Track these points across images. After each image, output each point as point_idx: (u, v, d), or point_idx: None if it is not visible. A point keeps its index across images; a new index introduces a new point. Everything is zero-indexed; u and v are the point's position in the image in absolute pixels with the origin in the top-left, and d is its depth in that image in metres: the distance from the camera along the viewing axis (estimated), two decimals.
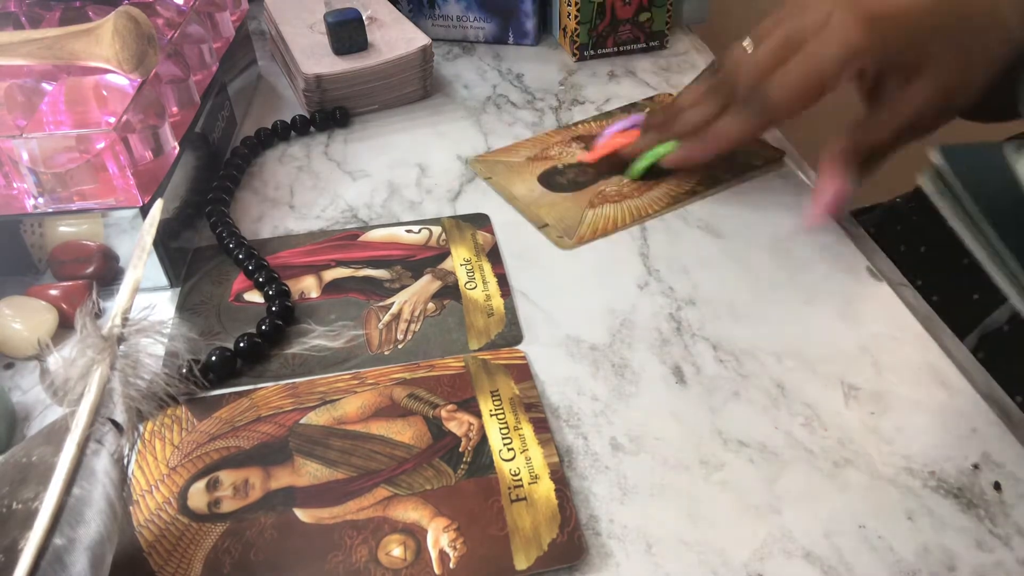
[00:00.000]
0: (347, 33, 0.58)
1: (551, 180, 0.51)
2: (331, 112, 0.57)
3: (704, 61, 0.66)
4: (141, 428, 0.35)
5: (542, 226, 0.47)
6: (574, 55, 0.66)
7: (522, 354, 0.39)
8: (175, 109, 0.47)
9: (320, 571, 0.30)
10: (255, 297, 0.43)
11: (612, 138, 0.52)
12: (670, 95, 0.60)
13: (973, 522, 0.31)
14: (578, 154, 0.53)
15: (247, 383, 0.38)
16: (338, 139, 0.57)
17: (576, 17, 0.64)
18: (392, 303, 0.42)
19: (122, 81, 0.43)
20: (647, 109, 0.57)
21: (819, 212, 0.42)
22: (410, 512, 0.32)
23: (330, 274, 0.44)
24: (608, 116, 0.58)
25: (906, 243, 0.58)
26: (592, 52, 0.66)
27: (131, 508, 0.32)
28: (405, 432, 0.35)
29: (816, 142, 0.54)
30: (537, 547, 0.30)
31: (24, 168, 0.39)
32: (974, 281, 0.52)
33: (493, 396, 0.36)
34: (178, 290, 0.43)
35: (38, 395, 0.38)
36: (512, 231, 0.47)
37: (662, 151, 0.49)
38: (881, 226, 0.62)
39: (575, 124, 0.57)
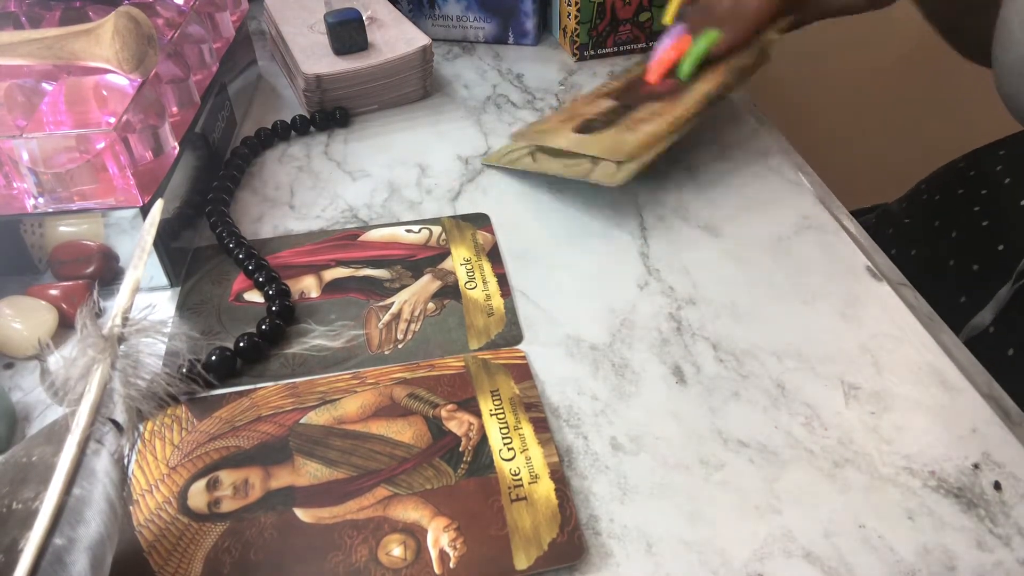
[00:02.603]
0: (347, 33, 0.58)
1: (587, 128, 0.51)
2: (331, 112, 0.57)
3: None
4: (141, 428, 0.35)
5: (590, 169, 0.47)
6: (574, 55, 0.67)
7: (522, 354, 0.39)
8: (175, 109, 0.47)
9: (320, 571, 0.30)
10: (255, 297, 0.43)
11: (665, 53, 0.53)
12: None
13: (973, 522, 0.31)
14: (638, 74, 0.54)
15: (247, 383, 0.38)
16: (338, 139, 0.57)
17: (576, 17, 0.64)
18: (392, 303, 0.42)
19: (122, 81, 0.43)
20: (676, 24, 0.56)
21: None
22: (410, 512, 0.32)
23: (330, 274, 0.44)
24: (626, 73, 0.57)
25: (897, 246, 0.58)
26: (592, 52, 0.66)
27: (131, 508, 0.32)
28: (405, 432, 0.35)
29: (814, 142, 0.54)
30: (537, 547, 0.30)
31: (24, 168, 0.39)
32: (961, 284, 0.52)
33: (493, 396, 0.36)
34: (178, 290, 0.43)
35: (38, 395, 0.37)
36: (512, 231, 0.47)
37: (704, 45, 0.51)
38: (874, 228, 0.63)
39: (599, 87, 0.57)
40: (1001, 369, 0.38)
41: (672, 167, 0.52)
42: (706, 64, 0.52)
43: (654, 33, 0.67)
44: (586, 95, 0.56)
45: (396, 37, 0.60)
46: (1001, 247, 0.50)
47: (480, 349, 0.39)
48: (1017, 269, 0.48)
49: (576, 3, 0.63)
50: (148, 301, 0.34)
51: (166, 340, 0.30)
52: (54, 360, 0.28)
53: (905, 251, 0.58)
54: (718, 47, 0.51)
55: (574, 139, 0.49)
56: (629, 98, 0.53)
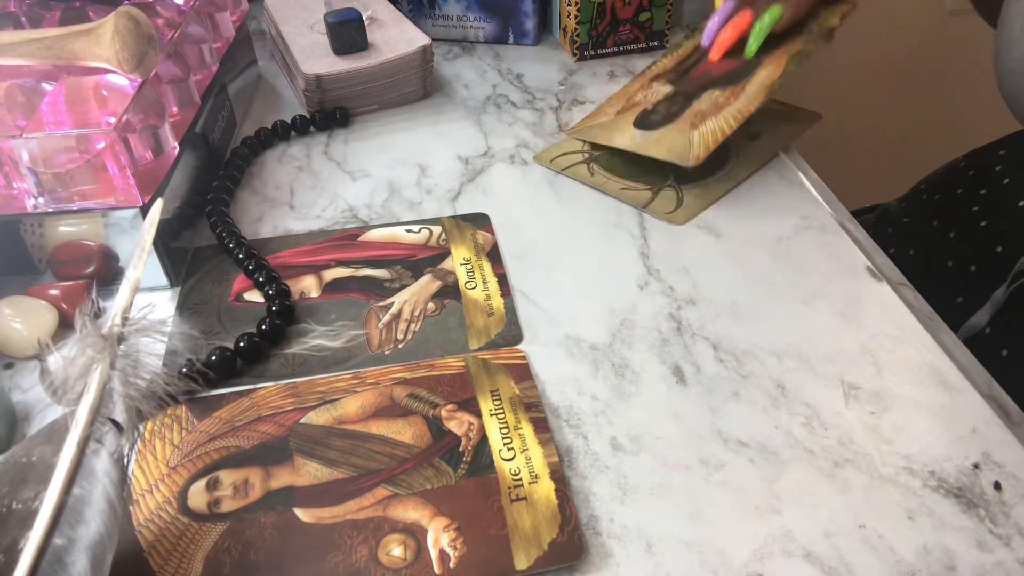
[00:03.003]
0: (347, 33, 0.58)
1: (646, 122, 0.51)
2: (331, 112, 0.57)
3: None
4: (141, 428, 0.35)
5: (646, 204, 0.48)
6: (574, 55, 0.66)
7: (522, 354, 0.39)
8: (175, 109, 0.47)
9: (320, 571, 0.30)
10: (255, 297, 0.43)
11: (723, 32, 0.53)
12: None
13: (973, 522, 0.31)
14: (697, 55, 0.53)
15: (247, 383, 0.38)
16: (338, 139, 0.57)
17: (576, 17, 0.64)
18: (392, 303, 0.42)
19: (122, 81, 0.43)
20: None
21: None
22: (410, 512, 0.32)
23: (330, 274, 0.44)
24: (677, 47, 0.57)
25: (896, 245, 0.58)
26: (592, 52, 0.66)
27: (131, 508, 0.32)
28: (405, 432, 0.35)
29: (814, 142, 0.54)
30: (537, 547, 0.30)
31: (24, 168, 0.39)
32: (958, 284, 0.52)
33: (493, 396, 0.36)
34: (178, 290, 0.43)
35: (38, 395, 0.37)
36: (512, 231, 0.47)
37: (768, 21, 0.50)
38: (874, 228, 0.63)
39: (649, 67, 0.57)
40: (995, 369, 0.38)
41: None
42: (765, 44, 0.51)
43: (654, 33, 0.67)
44: (637, 77, 0.56)
45: (396, 37, 0.60)
46: (999, 248, 0.50)
47: (480, 349, 0.39)
48: (1013, 271, 0.48)
49: (576, 3, 0.63)
50: (148, 301, 0.34)
51: (166, 340, 0.30)
52: (54, 360, 0.28)
53: (904, 251, 0.58)
54: (783, 22, 0.50)
55: (636, 137, 0.49)
56: (684, 84, 0.52)
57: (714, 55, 0.53)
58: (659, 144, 0.48)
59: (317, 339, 0.40)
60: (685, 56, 0.55)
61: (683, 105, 0.50)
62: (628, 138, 0.50)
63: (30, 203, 0.40)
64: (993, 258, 0.51)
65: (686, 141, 0.47)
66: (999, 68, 0.47)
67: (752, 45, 0.51)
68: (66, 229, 0.41)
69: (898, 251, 0.58)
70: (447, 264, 0.44)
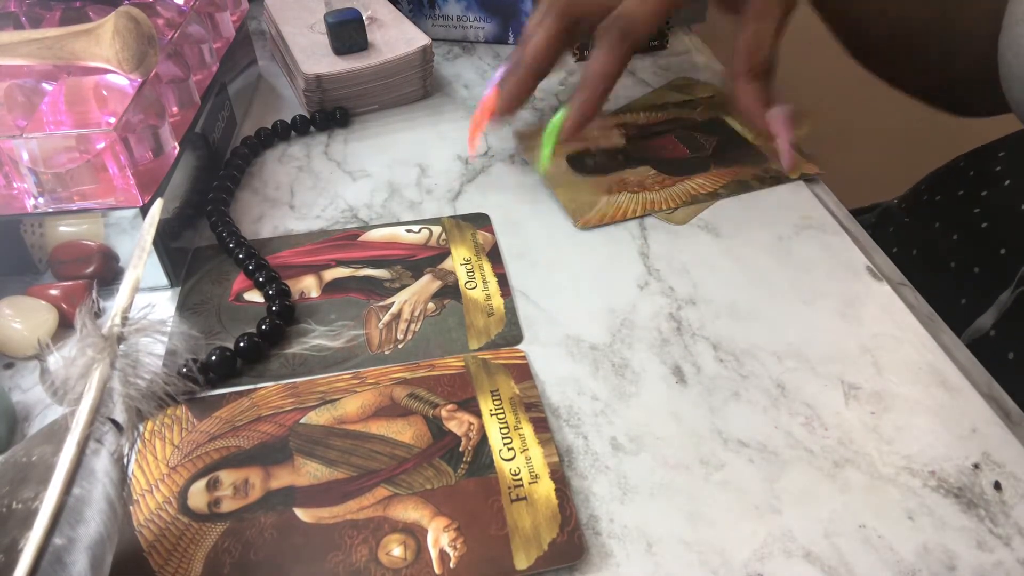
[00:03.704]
0: (347, 33, 0.58)
1: (579, 162, 0.51)
2: (331, 112, 0.57)
3: (704, 61, 0.66)
4: (141, 427, 0.35)
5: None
6: (574, 55, 0.66)
7: (522, 354, 0.39)
8: (175, 109, 0.47)
9: (320, 571, 0.30)
10: (255, 297, 0.43)
11: (481, 114, 0.48)
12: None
13: (973, 522, 0.31)
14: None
15: (247, 383, 0.38)
16: (338, 139, 0.57)
17: None
18: (392, 303, 0.42)
19: (122, 81, 0.43)
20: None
21: (789, 164, 0.49)
22: (410, 512, 0.32)
23: (330, 274, 0.44)
24: (661, 109, 0.57)
25: (898, 245, 0.58)
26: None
27: (131, 508, 0.32)
28: (405, 432, 0.35)
29: (814, 142, 0.54)
30: (537, 547, 0.30)
31: (24, 168, 0.39)
32: (961, 285, 0.52)
33: (493, 396, 0.36)
34: (178, 290, 0.43)
35: (38, 395, 0.38)
36: (512, 231, 0.47)
37: (557, 121, 0.46)
38: (875, 227, 0.63)
39: (626, 109, 0.57)
40: (1001, 373, 0.38)
41: None
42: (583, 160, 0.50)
43: (653, 33, 0.67)
44: (611, 115, 0.56)
45: (396, 37, 0.60)
46: (1003, 251, 0.50)
47: (480, 349, 0.39)
48: (1018, 274, 0.48)
49: None
50: (148, 301, 0.34)
51: (166, 340, 0.30)
52: (54, 360, 0.28)
53: (906, 251, 0.58)
54: (564, 130, 0.45)
55: (560, 169, 0.50)
56: (635, 146, 0.53)
57: (471, 147, 0.52)
58: (569, 188, 0.49)
59: (317, 339, 0.40)
60: (656, 122, 0.56)
61: (619, 165, 0.51)
62: (552, 165, 0.49)
63: (30, 203, 0.40)
64: (996, 260, 0.50)
65: (591, 202, 0.48)
66: (1005, 74, 0.44)
67: (542, 158, 0.46)
68: (66, 229, 0.41)
69: (901, 251, 0.58)
70: (447, 264, 0.44)
